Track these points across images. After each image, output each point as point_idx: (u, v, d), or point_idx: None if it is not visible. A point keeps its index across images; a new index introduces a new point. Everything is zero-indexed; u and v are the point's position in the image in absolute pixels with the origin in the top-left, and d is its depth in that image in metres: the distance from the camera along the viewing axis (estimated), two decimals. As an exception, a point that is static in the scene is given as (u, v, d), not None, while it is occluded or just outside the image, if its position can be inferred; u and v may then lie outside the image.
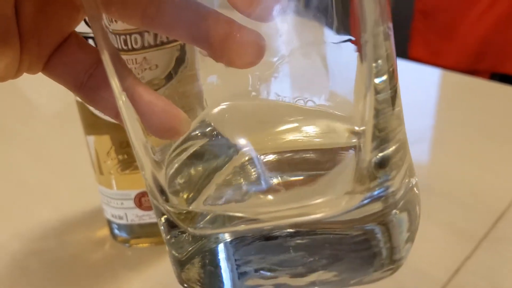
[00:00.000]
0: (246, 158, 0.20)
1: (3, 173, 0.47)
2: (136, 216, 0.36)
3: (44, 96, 0.60)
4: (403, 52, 1.18)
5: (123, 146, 0.33)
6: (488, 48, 1.09)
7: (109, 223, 0.37)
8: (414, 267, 0.33)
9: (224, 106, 0.21)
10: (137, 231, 0.37)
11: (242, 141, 0.21)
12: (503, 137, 0.48)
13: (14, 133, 0.54)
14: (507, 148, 0.47)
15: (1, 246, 0.38)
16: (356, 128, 0.19)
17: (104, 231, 0.39)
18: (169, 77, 0.22)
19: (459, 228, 0.37)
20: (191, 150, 0.21)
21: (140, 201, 0.35)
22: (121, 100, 0.18)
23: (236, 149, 0.20)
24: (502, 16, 1.06)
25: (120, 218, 0.36)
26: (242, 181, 0.20)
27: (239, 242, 0.19)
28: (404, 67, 0.65)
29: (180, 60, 0.22)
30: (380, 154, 0.18)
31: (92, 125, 0.33)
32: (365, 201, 0.18)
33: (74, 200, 0.42)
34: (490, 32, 1.08)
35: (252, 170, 0.20)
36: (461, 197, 0.40)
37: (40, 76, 0.20)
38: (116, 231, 0.37)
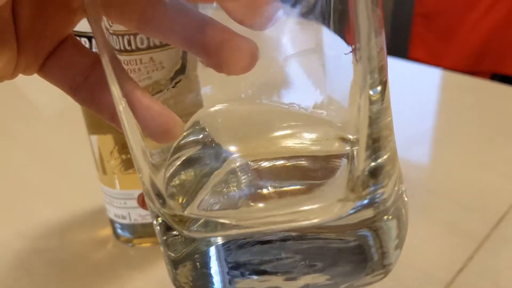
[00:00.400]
0: (238, 164, 0.20)
1: (5, 173, 0.48)
2: (139, 215, 0.36)
3: (46, 96, 0.60)
4: (403, 53, 1.18)
5: (126, 146, 0.33)
6: (488, 50, 1.09)
7: (112, 222, 0.38)
8: (416, 267, 0.34)
9: (217, 111, 0.21)
10: (140, 231, 0.37)
11: (235, 147, 0.21)
12: (504, 138, 0.49)
13: (16, 133, 0.55)
14: (509, 149, 0.47)
15: (3, 245, 0.39)
16: (350, 136, 0.20)
17: (107, 231, 0.39)
18: (175, 78, 0.22)
19: (461, 228, 0.37)
20: (186, 155, 0.21)
21: (143, 200, 0.35)
22: (121, 105, 0.18)
23: (229, 155, 0.20)
24: (502, 18, 1.06)
25: (123, 217, 0.36)
26: (234, 187, 0.20)
27: (231, 245, 0.19)
28: (404, 67, 0.65)
29: (183, 63, 0.22)
30: (373, 164, 0.19)
31: (95, 125, 0.33)
32: (357, 208, 0.19)
33: (76, 200, 0.42)
34: (490, 33, 1.08)
35: (245, 176, 0.20)
36: (463, 198, 0.40)
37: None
38: (119, 231, 0.37)
